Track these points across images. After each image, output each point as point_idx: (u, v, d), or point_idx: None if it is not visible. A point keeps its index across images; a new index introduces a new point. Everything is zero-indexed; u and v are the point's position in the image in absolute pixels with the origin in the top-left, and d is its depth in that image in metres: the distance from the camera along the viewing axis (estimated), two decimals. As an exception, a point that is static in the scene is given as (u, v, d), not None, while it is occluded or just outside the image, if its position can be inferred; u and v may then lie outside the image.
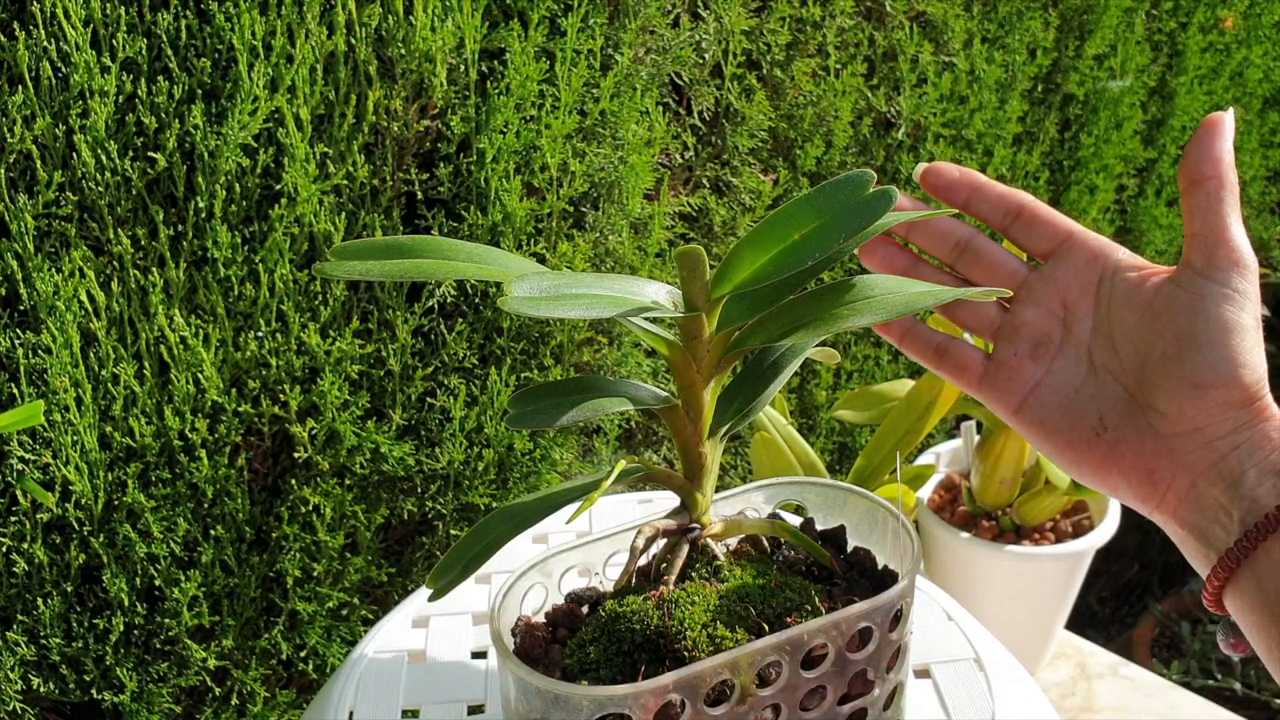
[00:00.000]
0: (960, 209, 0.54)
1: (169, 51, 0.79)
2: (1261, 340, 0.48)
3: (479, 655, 0.67)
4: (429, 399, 0.99)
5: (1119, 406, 0.49)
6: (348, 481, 0.97)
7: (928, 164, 0.54)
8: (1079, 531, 1.30)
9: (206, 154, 0.82)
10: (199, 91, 0.81)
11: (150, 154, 0.80)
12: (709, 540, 0.54)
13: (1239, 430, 0.47)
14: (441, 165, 0.93)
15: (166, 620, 0.91)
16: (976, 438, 1.30)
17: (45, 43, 0.74)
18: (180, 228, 0.84)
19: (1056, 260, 0.52)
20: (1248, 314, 0.47)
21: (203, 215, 0.84)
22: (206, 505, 0.91)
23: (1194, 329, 0.47)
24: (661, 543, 0.54)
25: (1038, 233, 0.52)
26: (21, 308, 0.80)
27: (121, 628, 0.88)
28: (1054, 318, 0.52)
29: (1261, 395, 0.47)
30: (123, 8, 0.76)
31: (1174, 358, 0.47)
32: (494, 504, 1.05)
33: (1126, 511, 1.39)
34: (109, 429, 0.85)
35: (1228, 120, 0.48)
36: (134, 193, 0.81)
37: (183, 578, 0.90)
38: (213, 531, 0.91)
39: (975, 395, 0.54)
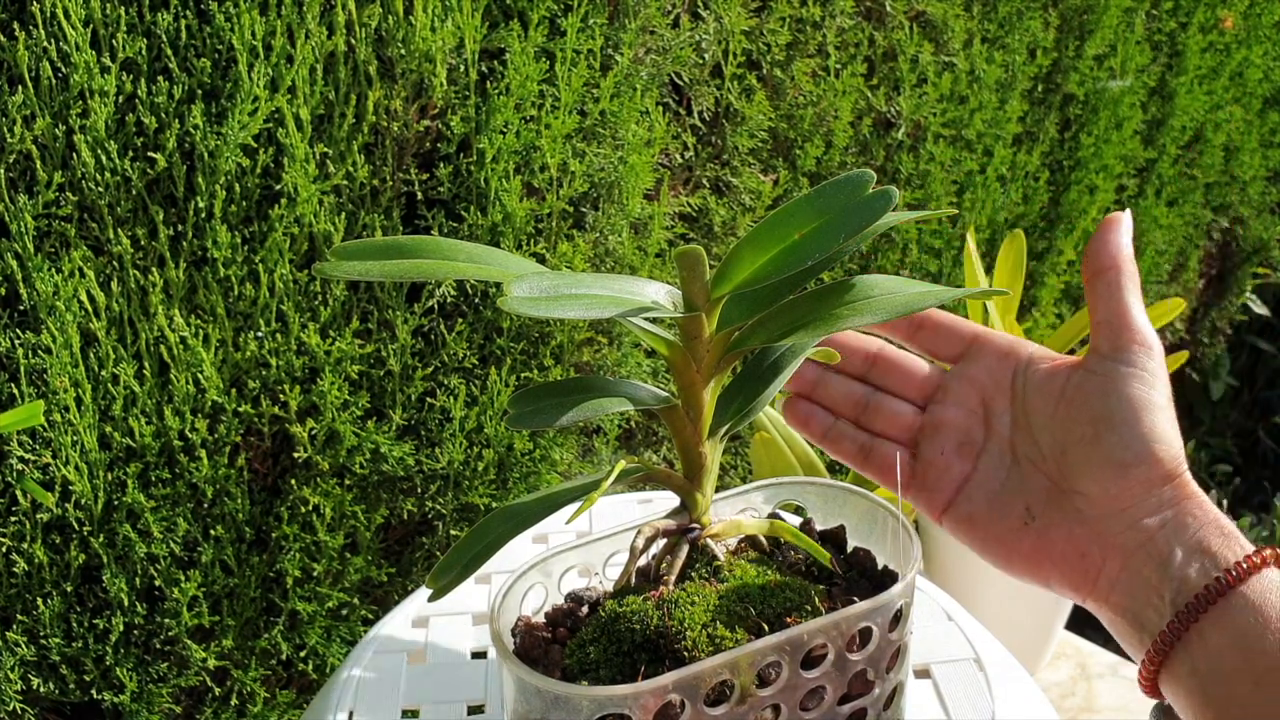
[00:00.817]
0: (864, 331, 0.55)
1: (169, 51, 0.79)
2: (1174, 418, 0.49)
3: (479, 655, 0.67)
4: (429, 399, 0.99)
5: (1044, 495, 0.50)
6: (348, 481, 0.97)
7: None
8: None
9: (206, 154, 0.82)
10: (199, 91, 0.81)
11: (150, 154, 0.80)
12: (709, 540, 0.54)
13: (1163, 508, 0.47)
14: (441, 165, 0.93)
15: (166, 620, 0.91)
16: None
17: (45, 43, 0.74)
18: (180, 228, 0.84)
19: (968, 360, 0.53)
20: (1158, 392, 0.48)
21: (203, 215, 0.84)
22: (206, 505, 0.91)
23: (1108, 410, 0.48)
24: (661, 543, 0.54)
25: (942, 337, 0.54)
26: (21, 308, 0.80)
27: (121, 628, 0.88)
28: (974, 415, 0.52)
29: (1181, 472, 0.48)
30: (123, 8, 0.77)
31: (1091, 440, 0.48)
32: (494, 504, 1.05)
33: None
34: (109, 429, 0.85)
35: (1126, 217, 0.51)
36: (134, 193, 0.81)
37: (183, 578, 0.90)
38: (213, 531, 0.91)
39: (904, 498, 0.54)
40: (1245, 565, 0.45)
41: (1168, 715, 0.48)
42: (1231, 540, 0.46)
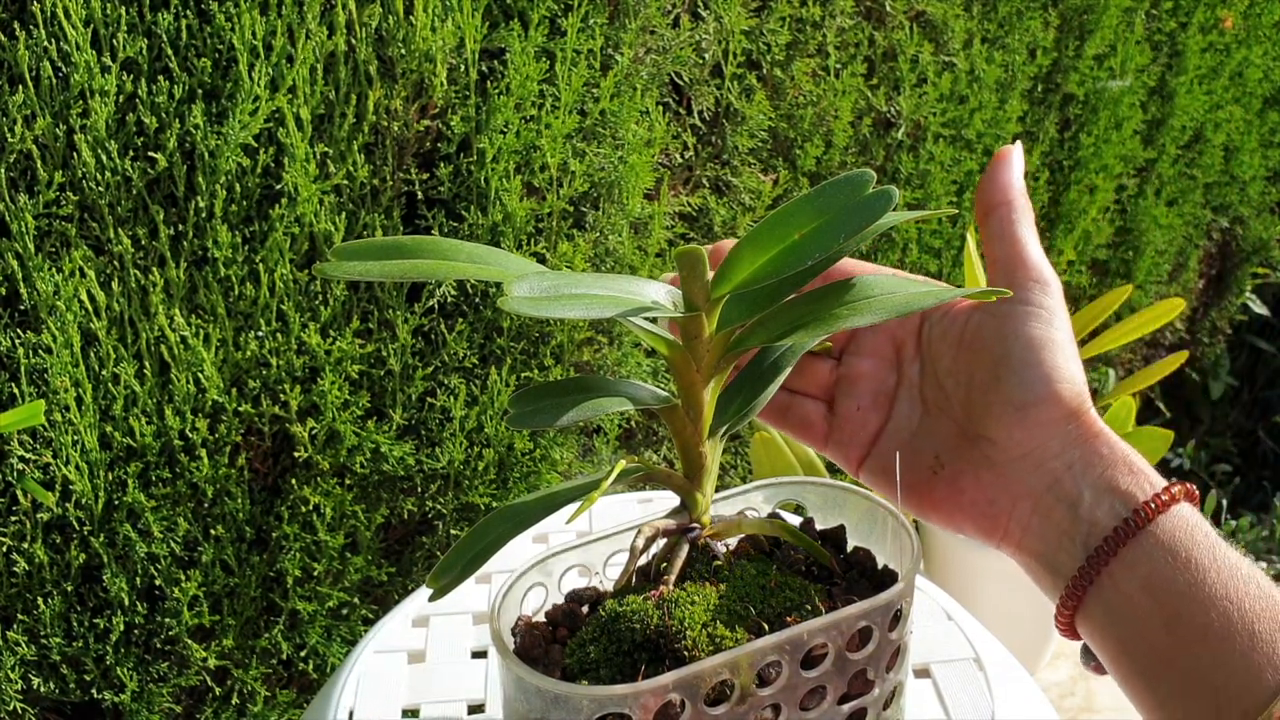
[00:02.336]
0: None
1: (169, 51, 0.79)
2: (1076, 354, 0.48)
3: (479, 655, 0.67)
4: (429, 399, 0.99)
5: (952, 442, 0.49)
6: (348, 481, 0.97)
7: (712, 246, 0.53)
8: (1079, 531, 1.30)
9: (207, 154, 0.82)
10: (199, 91, 0.81)
11: (150, 154, 0.80)
12: (709, 540, 0.54)
13: (1068, 448, 0.46)
14: (441, 165, 0.93)
15: (167, 620, 0.91)
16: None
17: (46, 43, 0.74)
18: (180, 227, 0.84)
19: None
20: (1056, 329, 0.47)
21: (203, 215, 0.84)
22: (207, 505, 0.91)
23: (1005, 350, 0.47)
24: (661, 542, 0.54)
25: None
26: (22, 307, 0.80)
27: (122, 627, 0.88)
28: (887, 364, 0.52)
29: (1085, 410, 0.47)
30: (123, 8, 0.77)
31: (991, 383, 0.47)
32: (494, 504, 1.05)
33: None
34: (109, 429, 0.85)
35: (1016, 151, 0.50)
36: (134, 192, 0.81)
37: (183, 577, 0.90)
38: (213, 531, 0.91)
39: (822, 452, 0.54)
40: (1154, 505, 0.44)
41: (1087, 655, 0.47)
42: (1140, 477, 0.45)
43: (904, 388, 0.51)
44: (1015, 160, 0.49)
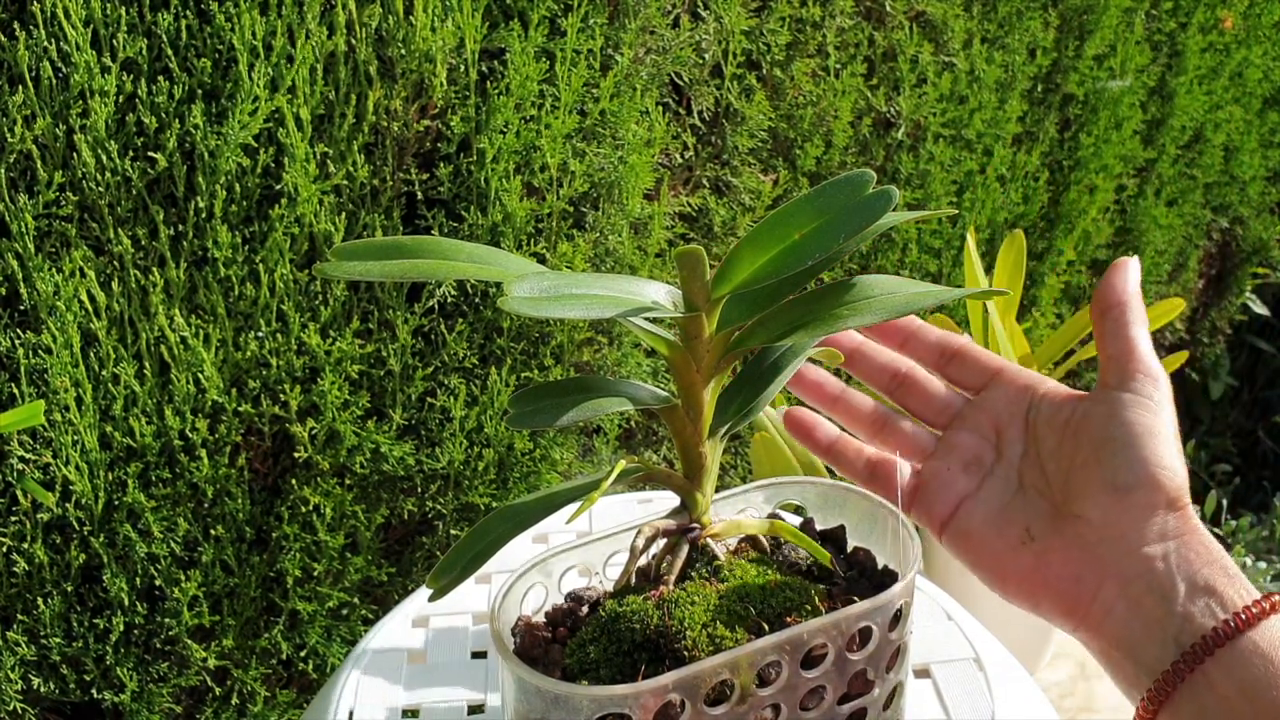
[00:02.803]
0: (897, 349, 0.56)
1: (169, 51, 0.79)
2: (1180, 449, 0.48)
3: (479, 655, 0.67)
4: (429, 399, 0.99)
5: (1046, 518, 0.50)
6: (348, 481, 0.97)
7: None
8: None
9: (207, 154, 0.82)
10: (199, 91, 0.81)
11: (150, 154, 0.80)
12: (709, 540, 0.54)
13: (1166, 538, 0.46)
14: (441, 165, 0.93)
15: (167, 620, 0.91)
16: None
17: (45, 43, 0.74)
18: (180, 228, 0.84)
19: (988, 391, 0.54)
20: (1162, 421, 0.48)
21: (203, 215, 0.84)
22: (207, 505, 0.91)
23: (1110, 434, 0.48)
24: (661, 542, 0.54)
25: (970, 369, 0.54)
26: (22, 307, 0.80)
27: (122, 627, 0.89)
28: (986, 443, 0.53)
29: (1184, 503, 0.47)
30: (123, 8, 0.77)
31: (1093, 464, 0.48)
32: (494, 504, 1.05)
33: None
34: (109, 429, 0.85)
35: (1134, 262, 0.52)
36: (134, 193, 0.81)
37: (183, 577, 0.90)
38: (213, 531, 0.91)
39: (905, 512, 0.54)
40: (1255, 609, 0.44)
41: None
42: (1236, 582, 0.45)
43: (1002, 465, 0.52)
44: (1133, 270, 0.52)
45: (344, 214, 0.89)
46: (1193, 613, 0.45)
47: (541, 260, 1.01)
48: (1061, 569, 0.48)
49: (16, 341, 0.79)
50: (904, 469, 0.54)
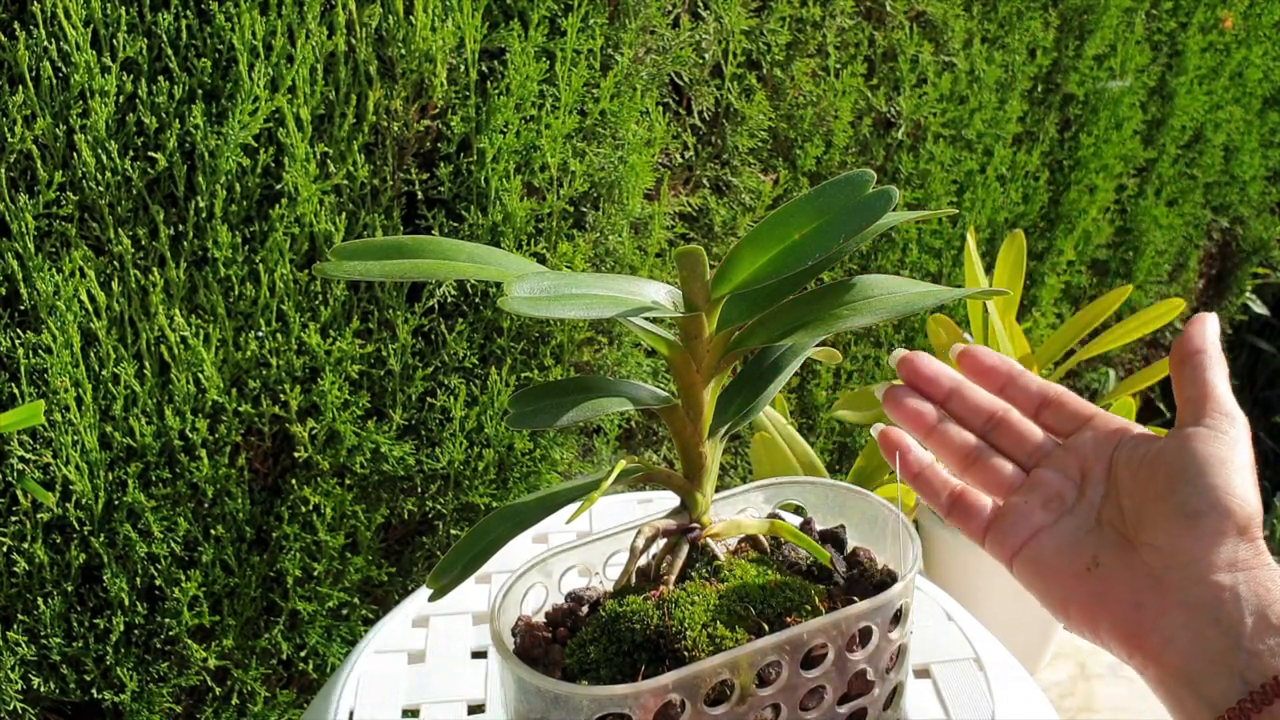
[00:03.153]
0: (996, 393, 0.56)
1: (169, 51, 0.79)
2: (1254, 482, 0.48)
3: (479, 655, 0.67)
4: (429, 399, 0.99)
5: (1114, 548, 0.50)
6: (348, 481, 0.97)
7: (962, 348, 0.56)
8: (1079, 531, 1.30)
9: (207, 154, 0.82)
10: (199, 91, 0.81)
11: (150, 154, 0.80)
12: (709, 540, 0.54)
13: (1235, 569, 0.46)
14: (442, 165, 0.93)
15: (167, 620, 0.91)
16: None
17: (46, 43, 0.74)
18: (180, 228, 0.84)
19: (1079, 434, 0.54)
20: (1236, 454, 0.48)
21: (203, 215, 0.84)
22: (207, 505, 0.91)
23: (1183, 464, 0.48)
24: (661, 543, 0.54)
25: (1064, 415, 0.55)
26: (22, 307, 0.80)
27: (122, 627, 0.89)
28: (1070, 482, 0.53)
29: (1255, 535, 0.47)
30: (123, 8, 0.77)
31: (1165, 493, 0.48)
32: (494, 504, 1.05)
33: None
34: (109, 429, 0.85)
35: (1213, 318, 0.53)
36: (134, 193, 0.81)
37: (183, 577, 0.90)
38: (213, 531, 0.91)
39: (980, 543, 0.54)
40: None
41: None
42: None
43: (1083, 504, 0.52)
44: (1211, 323, 0.53)
45: (344, 214, 0.89)
46: (1261, 651, 0.44)
47: (541, 260, 1.01)
48: (1123, 594, 0.48)
49: (16, 341, 0.79)
50: (985, 506, 0.55)
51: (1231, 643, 0.44)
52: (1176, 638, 0.46)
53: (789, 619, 0.50)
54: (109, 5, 0.76)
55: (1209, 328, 0.52)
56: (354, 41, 0.87)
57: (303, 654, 1.00)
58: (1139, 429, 0.53)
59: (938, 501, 0.55)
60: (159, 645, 0.93)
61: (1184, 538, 0.47)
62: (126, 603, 0.88)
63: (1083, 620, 0.50)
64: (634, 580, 0.53)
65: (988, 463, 0.54)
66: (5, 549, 0.83)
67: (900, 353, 0.55)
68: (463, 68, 0.92)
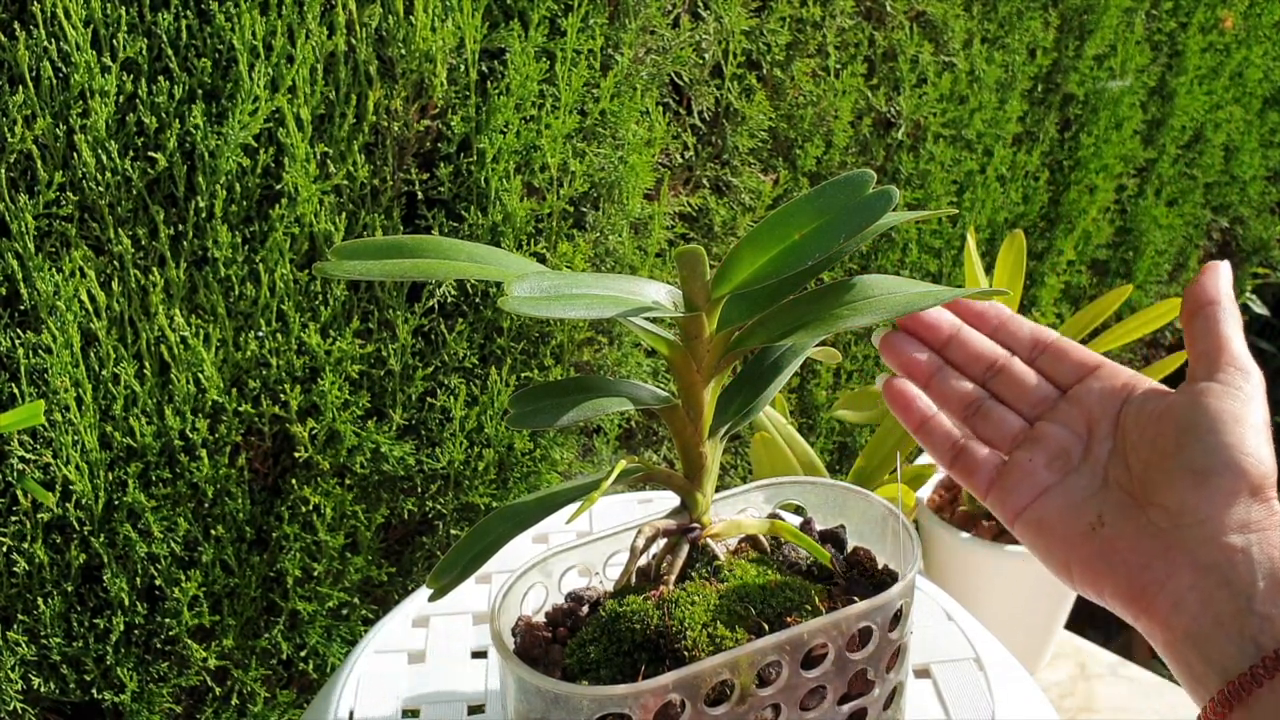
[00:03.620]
0: (989, 335, 0.54)
1: (169, 51, 0.79)
2: (1269, 439, 0.46)
3: (479, 655, 0.67)
4: (429, 399, 0.99)
5: (1120, 508, 0.48)
6: (348, 481, 0.97)
7: (965, 299, 0.54)
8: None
9: (207, 154, 0.82)
10: (199, 91, 0.81)
11: (151, 154, 0.80)
12: (709, 540, 0.54)
13: (1247, 529, 0.44)
14: (442, 165, 0.93)
15: (167, 620, 0.91)
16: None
17: (46, 43, 0.74)
18: (180, 228, 0.84)
19: (1085, 386, 0.52)
20: (1251, 411, 0.46)
21: (203, 215, 0.84)
22: (207, 505, 0.91)
23: (1194, 420, 0.46)
24: (661, 543, 0.54)
25: (1065, 365, 0.53)
26: (22, 307, 0.80)
27: (122, 627, 0.89)
28: (1076, 438, 0.51)
29: (1269, 495, 0.45)
30: (123, 8, 0.77)
31: (1174, 450, 0.47)
32: (494, 504, 1.05)
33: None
34: (109, 429, 0.85)
35: (1225, 265, 0.51)
36: (134, 193, 0.81)
37: (183, 577, 0.90)
38: (213, 531, 0.91)
39: (982, 499, 0.53)
40: None
41: None
42: None
43: (1088, 462, 0.50)
44: (1224, 271, 0.51)
45: (344, 214, 0.90)
46: (1274, 615, 0.42)
47: (541, 260, 1.01)
48: (1130, 555, 0.46)
49: (16, 341, 0.79)
50: (988, 461, 0.53)
51: (1243, 606, 0.43)
52: (1185, 600, 0.44)
53: (789, 619, 0.50)
54: (109, 5, 0.76)
55: (1222, 277, 0.50)
56: (354, 41, 0.87)
57: (303, 654, 1.00)
58: (1149, 383, 0.51)
59: (941, 454, 0.54)
60: (159, 645, 0.93)
61: (1194, 497, 0.45)
62: (126, 603, 0.88)
63: (1087, 581, 0.48)
64: (634, 580, 0.53)
65: (990, 413, 0.53)
66: (5, 549, 0.83)
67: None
68: (463, 68, 0.92)
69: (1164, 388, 0.50)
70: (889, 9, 1.28)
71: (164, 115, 0.80)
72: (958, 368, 0.54)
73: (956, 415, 0.54)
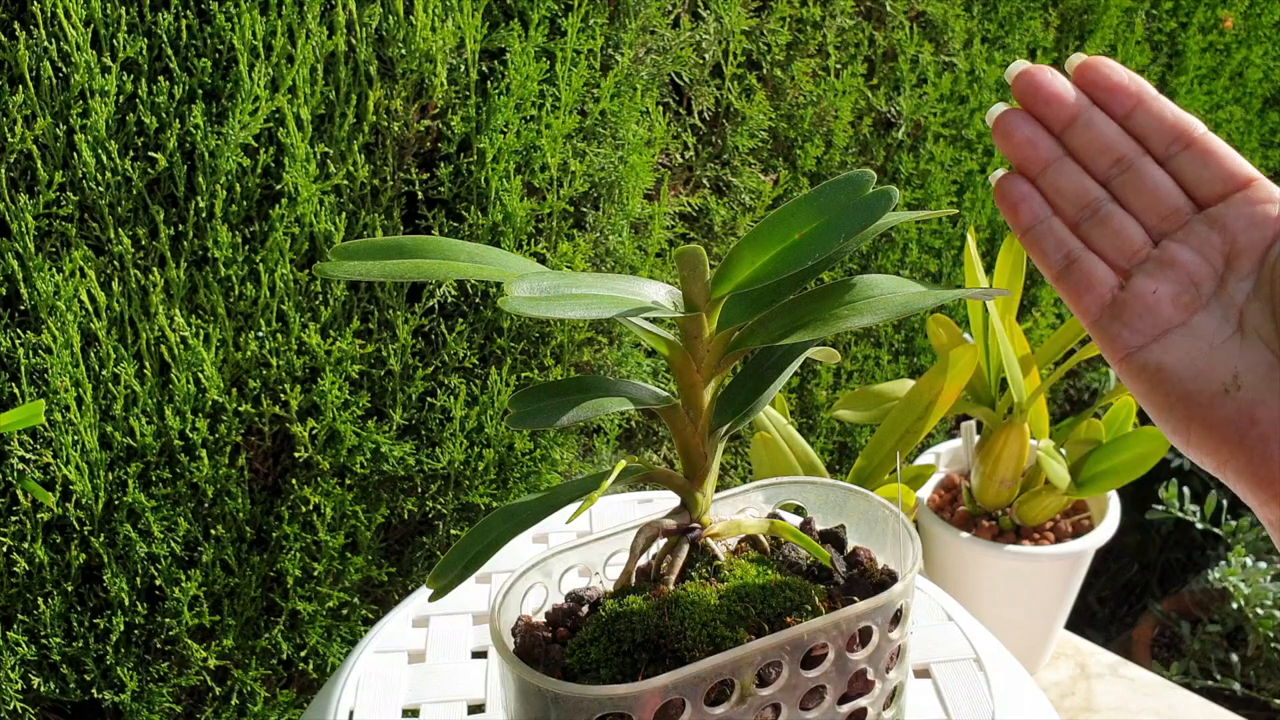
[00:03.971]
0: (1120, 122, 0.46)
1: (169, 51, 0.79)
2: None
3: (479, 655, 0.68)
4: (429, 399, 0.99)
5: (1263, 369, 0.41)
6: (348, 481, 0.97)
7: (1087, 58, 0.45)
8: (1079, 531, 1.30)
9: (207, 154, 0.82)
10: (199, 91, 0.81)
11: (151, 154, 0.80)
12: (709, 540, 0.54)
13: None
14: (442, 165, 0.93)
15: (167, 620, 0.91)
16: (976, 438, 1.30)
17: (46, 43, 0.74)
18: (181, 228, 0.84)
19: (1229, 206, 0.44)
20: None
21: (203, 215, 0.84)
22: (207, 505, 0.91)
23: None
24: (661, 542, 0.54)
25: (1210, 171, 0.44)
26: (22, 307, 0.80)
27: (122, 627, 0.89)
28: (1209, 267, 0.44)
29: None
30: (123, 8, 0.77)
31: None
32: (494, 504, 1.05)
33: (1126, 511, 1.39)
34: (109, 429, 0.85)
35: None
36: (134, 193, 0.81)
37: (183, 577, 0.90)
38: (213, 531, 0.91)
39: (1088, 327, 0.46)
40: None
41: None
42: None
43: (1220, 301, 0.43)
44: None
45: (344, 214, 0.90)
46: None
47: (542, 260, 1.01)
48: (1269, 429, 0.40)
49: (16, 341, 0.79)
50: (1104, 278, 0.45)
51: None
52: None
53: (789, 619, 0.50)
54: (109, 5, 0.76)
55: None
56: (354, 41, 0.87)
57: (303, 654, 1.00)
58: None
59: (1049, 264, 0.46)
60: (159, 645, 0.93)
61: None
62: (126, 603, 0.88)
63: (1206, 450, 0.42)
64: (634, 580, 0.53)
65: (1109, 219, 0.45)
66: (5, 549, 0.83)
67: (1020, 65, 0.45)
68: (463, 68, 0.92)
69: None
70: (889, 9, 1.28)
71: (164, 115, 0.80)
72: (1079, 159, 0.46)
73: (1069, 218, 0.46)
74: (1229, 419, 0.41)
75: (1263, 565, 1.47)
